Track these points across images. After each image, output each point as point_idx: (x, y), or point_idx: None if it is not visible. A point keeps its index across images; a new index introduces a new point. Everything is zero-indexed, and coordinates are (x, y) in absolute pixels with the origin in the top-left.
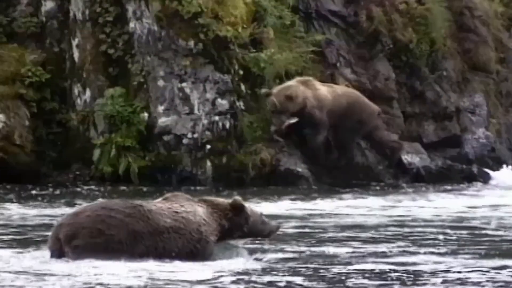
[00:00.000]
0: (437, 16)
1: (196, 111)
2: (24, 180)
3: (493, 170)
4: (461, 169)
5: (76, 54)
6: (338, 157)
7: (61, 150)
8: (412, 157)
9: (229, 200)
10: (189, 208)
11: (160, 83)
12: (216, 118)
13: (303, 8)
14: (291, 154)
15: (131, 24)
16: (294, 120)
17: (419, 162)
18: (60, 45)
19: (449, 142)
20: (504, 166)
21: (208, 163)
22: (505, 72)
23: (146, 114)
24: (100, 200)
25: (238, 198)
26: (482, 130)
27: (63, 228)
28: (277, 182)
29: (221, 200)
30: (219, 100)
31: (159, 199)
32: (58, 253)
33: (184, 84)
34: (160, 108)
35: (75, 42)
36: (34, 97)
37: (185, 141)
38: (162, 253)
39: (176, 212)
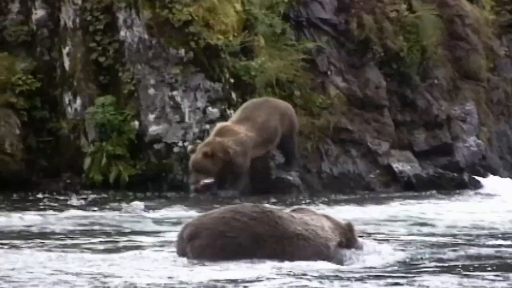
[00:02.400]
0: (428, 24)
1: (186, 120)
2: (14, 189)
3: (484, 178)
4: (452, 178)
5: (66, 63)
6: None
7: (51, 158)
8: (403, 165)
9: (343, 220)
10: (318, 222)
11: (151, 91)
12: (207, 126)
13: (294, 16)
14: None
15: (122, 33)
16: (209, 181)
17: (410, 170)
18: (50, 53)
19: (440, 150)
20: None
21: None
22: (496, 80)
23: (136, 123)
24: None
25: (352, 221)
26: (473, 138)
27: (188, 228)
28: (268, 191)
29: (336, 218)
30: (210, 108)
31: (288, 210)
32: (181, 252)
33: (174, 93)
34: (151, 117)
35: (65, 51)
36: (25, 105)
37: (176, 149)
38: (288, 258)
39: (307, 223)
